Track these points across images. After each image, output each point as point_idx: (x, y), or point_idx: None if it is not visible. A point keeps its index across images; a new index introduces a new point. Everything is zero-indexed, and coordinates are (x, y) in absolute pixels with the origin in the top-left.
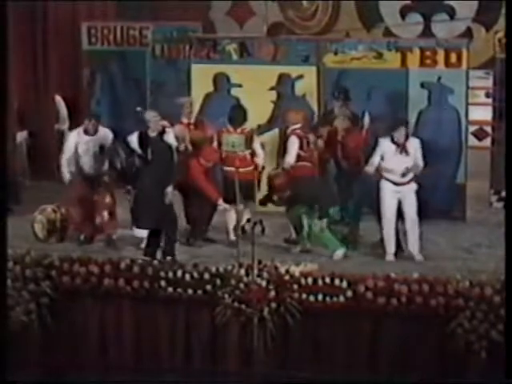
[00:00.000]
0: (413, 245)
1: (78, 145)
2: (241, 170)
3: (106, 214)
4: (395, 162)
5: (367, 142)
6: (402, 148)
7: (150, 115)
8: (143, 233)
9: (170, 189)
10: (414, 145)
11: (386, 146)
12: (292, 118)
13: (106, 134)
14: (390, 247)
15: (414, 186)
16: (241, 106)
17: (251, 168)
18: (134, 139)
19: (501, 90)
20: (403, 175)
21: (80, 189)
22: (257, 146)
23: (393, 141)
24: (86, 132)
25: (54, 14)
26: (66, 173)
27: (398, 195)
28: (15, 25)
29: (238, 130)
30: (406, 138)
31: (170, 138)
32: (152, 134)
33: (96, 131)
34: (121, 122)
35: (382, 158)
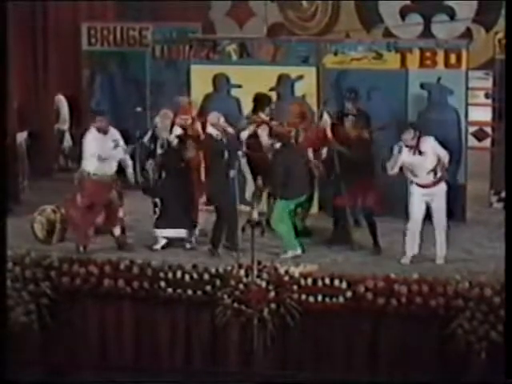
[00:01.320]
0: (441, 248)
1: (95, 145)
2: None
3: (119, 214)
4: (414, 164)
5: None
6: (415, 149)
7: (162, 112)
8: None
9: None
10: (428, 143)
11: (400, 150)
12: (294, 110)
13: (116, 133)
14: (410, 250)
15: (443, 187)
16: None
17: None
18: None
19: (500, 90)
20: (428, 175)
21: (92, 189)
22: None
23: (405, 145)
24: (98, 131)
25: (53, 14)
26: (91, 165)
27: (426, 198)
28: (15, 25)
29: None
30: (418, 138)
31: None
32: (162, 131)
33: (107, 130)
34: (121, 122)
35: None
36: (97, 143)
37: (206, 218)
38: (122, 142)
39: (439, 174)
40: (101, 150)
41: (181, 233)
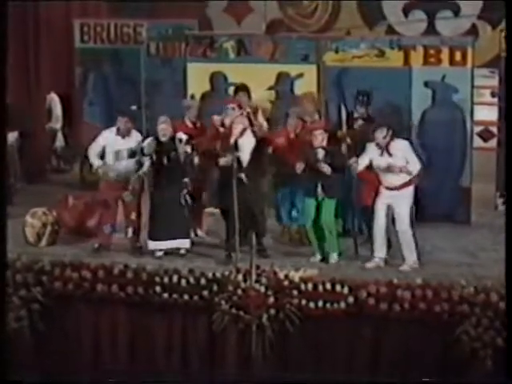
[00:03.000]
0: (408, 255)
1: (110, 146)
2: None
3: (132, 216)
4: (380, 165)
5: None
6: (383, 149)
7: (161, 119)
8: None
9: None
10: (399, 146)
11: (371, 149)
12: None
13: (138, 138)
14: (378, 252)
15: (407, 193)
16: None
17: None
18: (151, 144)
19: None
20: (393, 177)
21: (102, 187)
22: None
23: (376, 143)
24: (118, 131)
25: (45, 10)
26: (96, 161)
27: (388, 200)
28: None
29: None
30: (390, 139)
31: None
32: (163, 138)
33: (129, 133)
34: (114, 122)
35: (371, 162)
36: (109, 144)
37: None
38: (138, 150)
39: (404, 180)
40: (111, 151)
41: (183, 243)
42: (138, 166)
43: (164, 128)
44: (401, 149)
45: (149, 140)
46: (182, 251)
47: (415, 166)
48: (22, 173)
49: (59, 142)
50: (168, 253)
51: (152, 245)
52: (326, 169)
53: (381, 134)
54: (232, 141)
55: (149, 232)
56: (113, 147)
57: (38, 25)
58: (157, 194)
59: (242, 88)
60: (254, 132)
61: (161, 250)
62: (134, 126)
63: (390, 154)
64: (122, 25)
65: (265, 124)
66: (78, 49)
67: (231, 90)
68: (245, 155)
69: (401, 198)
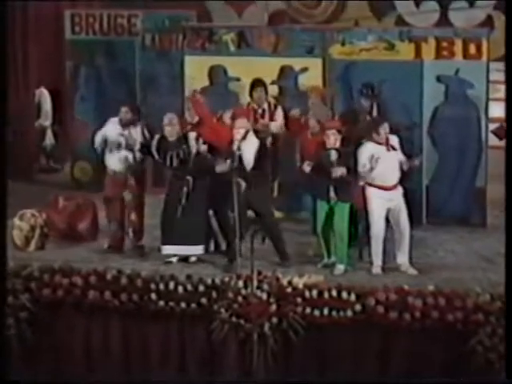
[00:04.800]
0: (403, 257)
1: (110, 135)
2: None
3: (132, 217)
4: (387, 163)
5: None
6: (388, 145)
7: (168, 118)
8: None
9: None
10: (396, 141)
11: (371, 148)
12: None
13: (139, 129)
14: (377, 259)
15: (401, 190)
16: None
17: None
18: (153, 143)
19: None
20: (394, 175)
21: (106, 182)
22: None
23: (377, 141)
24: (120, 122)
25: (34, 0)
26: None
27: (388, 204)
28: None
29: None
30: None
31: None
32: (171, 138)
33: (133, 124)
34: (107, 119)
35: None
36: (110, 135)
37: None
38: (137, 142)
39: (398, 179)
40: (113, 143)
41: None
42: (134, 161)
43: (170, 130)
44: (397, 144)
45: (157, 137)
46: (193, 259)
47: (405, 163)
48: (9, 172)
49: (49, 139)
50: (182, 259)
51: (167, 249)
52: (340, 172)
53: (383, 131)
54: (235, 147)
55: (162, 236)
56: (111, 137)
57: (26, 15)
58: (170, 196)
59: (259, 83)
60: (257, 132)
61: (175, 255)
62: (138, 118)
63: (394, 149)
64: (116, 15)
65: (281, 122)
66: (69, 41)
67: (232, 85)
68: (248, 159)
69: (399, 197)
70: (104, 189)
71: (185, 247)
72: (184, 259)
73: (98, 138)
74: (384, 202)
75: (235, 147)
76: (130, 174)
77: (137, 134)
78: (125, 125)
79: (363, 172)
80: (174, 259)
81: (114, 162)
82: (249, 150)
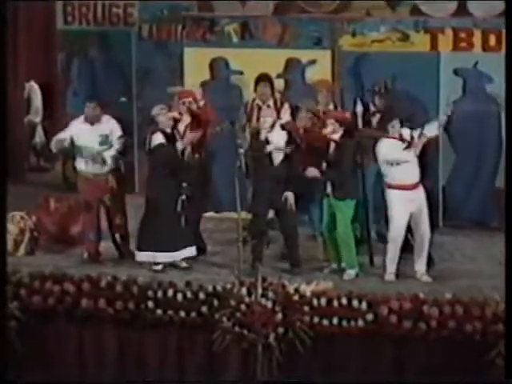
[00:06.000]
0: (421, 265)
1: (78, 136)
2: None
3: (116, 221)
4: (405, 159)
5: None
6: (404, 141)
7: (157, 109)
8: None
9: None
10: (407, 134)
11: (387, 144)
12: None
13: (111, 124)
14: (392, 266)
15: (423, 191)
16: None
17: None
18: (159, 138)
19: None
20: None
21: (81, 187)
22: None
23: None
24: (86, 120)
25: None
26: (54, 146)
27: (410, 207)
28: None
29: None
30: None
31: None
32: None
33: (98, 120)
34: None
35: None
36: (77, 134)
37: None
38: (112, 138)
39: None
40: (83, 143)
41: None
42: (114, 161)
43: (163, 121)
44: (409, 136)
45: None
46: (184, 264)
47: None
48: None
49: (39, 137)
50: (167, 266)
51: (142, 256)
52: (313, 173)
53: (397, 125)
54: (262, 137)
55: (138, 241)
56: (80, 137)
57: (16, 5)
58: (152, 199)
59: (264, 78)
60: (282, 126)
61: (157, 263)
62: (109, 112)
63: (410, 144)
64: (111, 4)
65: (288, 119)
66: (61, 31)
67: (234, 78)
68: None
69: (421, 199)
70: (81, 194)
71: (176, 253)
72: (173, 265)
73: (61, 142)
74: (407, 206)
75: (262, 137)
76: (112, 175)
77: (110, 130)
78: (92, 122)
79: (383, 169)
80: (159, 267)
81: (90, 164)
82: (278, 141)
